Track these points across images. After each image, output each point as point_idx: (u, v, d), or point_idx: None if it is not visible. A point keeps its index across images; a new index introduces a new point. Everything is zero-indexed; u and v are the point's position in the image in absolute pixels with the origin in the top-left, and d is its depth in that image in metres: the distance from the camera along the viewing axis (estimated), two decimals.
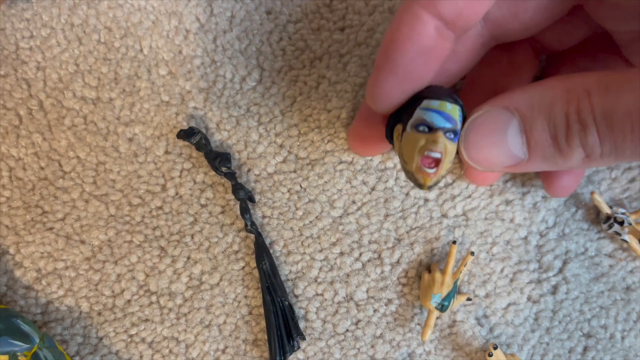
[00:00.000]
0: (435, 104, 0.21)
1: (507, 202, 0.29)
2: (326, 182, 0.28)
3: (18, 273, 0.27)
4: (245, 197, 0.27)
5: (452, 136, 0.21)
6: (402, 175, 0.29)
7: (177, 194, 0.28)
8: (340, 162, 0.28)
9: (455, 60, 0.25)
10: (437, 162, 0.20)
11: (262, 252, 0.27)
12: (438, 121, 0.20)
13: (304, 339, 0.27)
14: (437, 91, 0.21)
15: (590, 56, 0.26)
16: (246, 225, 0.27)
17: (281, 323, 0.27)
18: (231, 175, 0.27)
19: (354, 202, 0.28)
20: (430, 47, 0.21)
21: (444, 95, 0.21)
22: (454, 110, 0.21)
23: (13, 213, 0.28)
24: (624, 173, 0.29)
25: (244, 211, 0.27)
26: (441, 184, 0.29)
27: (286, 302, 0.27)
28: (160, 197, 0.28)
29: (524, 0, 0.23)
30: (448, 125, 0.20)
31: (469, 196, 0.29)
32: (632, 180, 0.29)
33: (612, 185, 0.29)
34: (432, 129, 0.20)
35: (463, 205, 0.29)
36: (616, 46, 0.24)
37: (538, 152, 0.20)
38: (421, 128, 0.20)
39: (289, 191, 0.28)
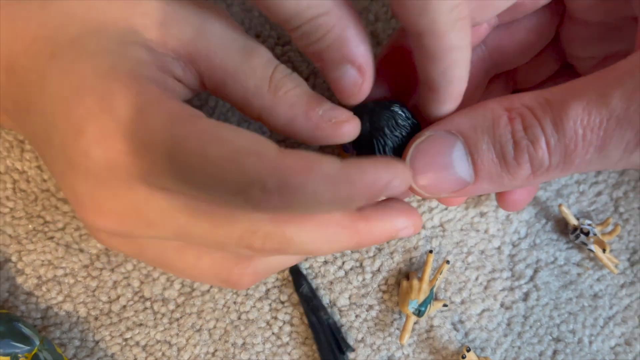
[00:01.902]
0: None
1: (482, 214, 0.31)
2: None
3: (20, 280, 0.29)
4: None
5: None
6: None
7: None
8: None
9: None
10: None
11: (299, 277, 0.29)
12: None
13: (352, 350, 0.29)
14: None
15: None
16: None
17: (331, 340, 0.29)
18: None
19: None
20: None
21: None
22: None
23: (16, 223, 0.29)
24: (591, 187, 0.31)
25: None
26: (418, 197, 0.31)
27: (330, 320, 0.29)
28: None
29: (517, 23, 0.25)
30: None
31: (446, 208, 0.31)
32: (599, 193, 0.31)
33: (580, 199, 0.31)
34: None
35: (440, 217, 0.31)
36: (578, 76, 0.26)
37: (485, 173, 0.20)
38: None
39: None
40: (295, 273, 0.29)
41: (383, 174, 0.17)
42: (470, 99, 0.26)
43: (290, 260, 0.23)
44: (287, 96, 0.21)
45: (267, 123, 0.22)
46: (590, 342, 0.30)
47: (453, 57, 0.20)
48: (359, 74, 0.21)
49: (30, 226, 0.29)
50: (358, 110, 0.22)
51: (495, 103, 0.20)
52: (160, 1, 0.21)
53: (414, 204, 0.31)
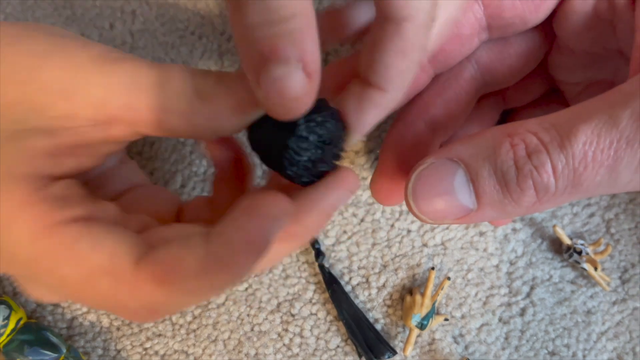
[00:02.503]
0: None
1: (481, 234, 0.33)
2: None
3: None
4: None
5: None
6: (388, 209, 0.32)
7: None
8: None
9: (451, 103, 0.27)
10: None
11: (341, 302, 0.31)
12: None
13: (395, 352, 0.31)
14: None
15: (541, 107, 0.30)
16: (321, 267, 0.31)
17: (372, 345, 0.30)
18: None
19: (345, 232, 0.32)
20: (466, 35, 0.23)
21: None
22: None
23: None
24: (584, 209, 0.33)
25: (319, 254, 0.31)
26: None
27: (371, 329, 0.31)
28: None
29: (508, 46, 0.27)
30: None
31: (447, 228, 0.33)
32: (591, 215, 0.33)
33: (574, 220, 0.33)
34: None
35: (442, 236, 0.32)
36: (565, 101, 0.29)
37: (487, 200, 0.20)
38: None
39: None
40: (339, 297, 0.31)
41: (261, 228, 0.17)
42: (459, 116, 0.27)
43: None
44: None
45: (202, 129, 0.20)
46: (584, 356, 0.32)
47: (417, 53, 0.20)
48: (308, 80, 0.17)
49: None
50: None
51: (498, 130, 0.20)
52: (63, 67, 0.18)
53: (416, 224, 0.32)
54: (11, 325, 0.28)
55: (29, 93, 0.18)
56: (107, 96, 0.18)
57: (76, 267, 0.17)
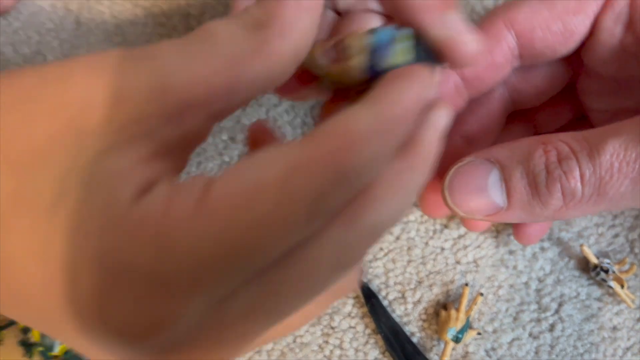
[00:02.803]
0: (399, 34, 0.19)
1: (511, 252, 0.34)
2: None
3: None
4: None
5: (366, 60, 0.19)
6: (423, 227, 0.34)
7: None
8: None
9: (483, 119, 0.28)
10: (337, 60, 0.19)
11: (379, 316, 0.33)
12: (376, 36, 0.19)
13: None
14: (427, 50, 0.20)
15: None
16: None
17: (410, 358, 0.32)
18: None
19: (381, 249, 0.34)
20: (499, 64, 0.25)
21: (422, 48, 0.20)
22: (401, 52, 0.19)
23: None
24: (609, 229, 0.35)
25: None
26: (454, 235, 0.34)
27: (408, 342, 0.32)
28: None
29: (535, 69, 0.28)
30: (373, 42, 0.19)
31: (479, 246, 0.34)
32: (616, 235, 0.35)
33: (599, 240, 0.35)
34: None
35: (474, 254, 0.34)
36: (592, 127, 0.30)
37: (517, 201, 0.21)
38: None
39: None
40: (377, 311, 0.33)
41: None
42: (491, 131, 0.29)
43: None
44: None
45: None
46: None
47: None
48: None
49: None
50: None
51: (533, 138, 0.22)
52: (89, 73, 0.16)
53: (449, 242, 0.34)
54: None
55: (70, 117, 0.15)
56: (165, 81, 0.16)
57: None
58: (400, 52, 0.18)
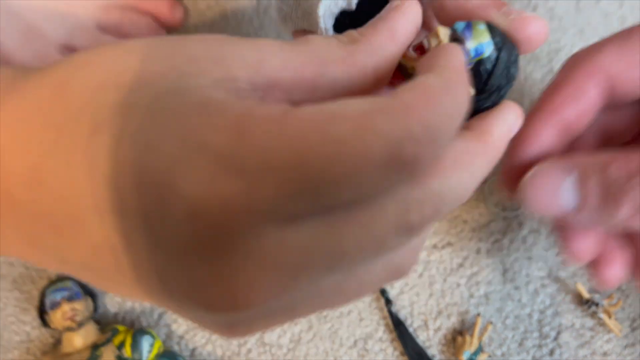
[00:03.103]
0: (475, 22, 0.21)
1: (516, 288, 0.41)
2: None
3: (174, 326, 0.40)
4: None
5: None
6: (442, 266, 0.41)
7: None
8: None
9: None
10: (422, 52, 0.20)
11: (406, 340, 0.39)
12: (458, 26, 0.21)
13: None
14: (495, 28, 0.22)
15: None
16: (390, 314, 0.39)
17: None
18: None
19: (407, 284, 0.41)
20: (588, 110, 0.26)
21: (494, 32, 0.21)
22: (482, 33, 0.21)
23: None
24: None
25: (387, 301, 0.40)
26: (468, 273, 0.41)
27: None
28: None
29: (622, 107, 0.28)
30: (458, 30, 0.21)
31: (489, 282, 0.41)
32: None
33: (591, 278, 0.41)
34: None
35: (485, 289, 0.41)
36: None
37: (588, 205, 0.23)
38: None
39: None
40: (398, 326, 0.39)
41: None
42: (585, 125, 0.28)
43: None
44: None
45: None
46: None
47: None
48: None
49: None
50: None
51: (614, 151, 0.23)
52: (205, 42, 0.17)
53: (464, 279, 0.41)
54: (154, 352, 0.37)
55: (176, 65, 0.16)
56: (262, 57, 0.17)
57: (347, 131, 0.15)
58: (479, 32, 0.20)
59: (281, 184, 0.15)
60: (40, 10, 0.38)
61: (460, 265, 0.41)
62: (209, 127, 0.15)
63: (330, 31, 0.26)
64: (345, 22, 0.26)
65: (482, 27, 0.20)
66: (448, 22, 0.22)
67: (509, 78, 0.21)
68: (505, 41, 0.21)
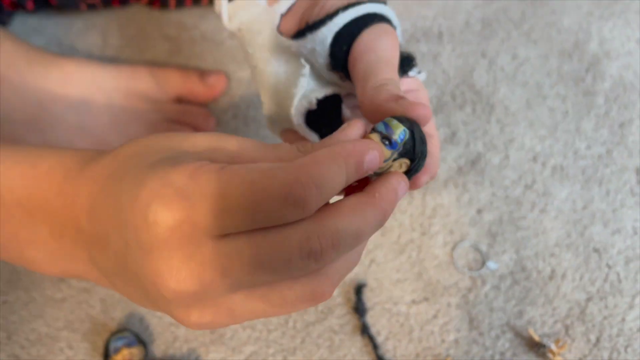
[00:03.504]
0: (393, 122, 0.28)
1: (480, 334, 0.50)
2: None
3: None
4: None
5: (387, 143, 0.27)
6: (420, 316, 0.51)
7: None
8: None
9: None
10: None
11: None
12: (380, 127, 0.28)
13: None
14: (411, 124, 0.28)
15: None
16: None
17: None
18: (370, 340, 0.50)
19: (391, 332, 0.50)
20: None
21: (402, 120, 0.28)
22: (397, 126, 0.28)
23: (199, 332, 0.51)
24: (550, 317, 0.51)
25: (375, 347, 0.50)
26: (440, 322, 0.51)
27: None
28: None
29: None
30: (382, 131, 0.27)
31: (458, 329, 0.50)
32: (555, 322, 0.50)
33: (543, 325, 0.50)
34: (373, 131, 0.28)
35: (454, 335, 0.50)
36: None
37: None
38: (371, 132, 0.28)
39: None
40: None
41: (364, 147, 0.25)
42: None
43: (353, 258, 0.26)
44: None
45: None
46: None
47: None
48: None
49: (207, 338, 0.51)
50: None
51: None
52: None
53: (438, 327, 0.50)
54: None
55: (169, 147, 0.26)
56: (219, 145, 0.26)
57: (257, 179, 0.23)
58: (395, 125, 0.28)
59: (212, 207, 0.22)
60: (107, 130, 0.52)
61: (434, 316, 0.51)
62: (176, 172, 0.23)
63: (304, 126, 0.36)
64: (312, 118, 0.36)
65: (395, 122, 0.28)
66: (367, 114, 0.31)
67: (424, 143, 0.29)
68: (411, 123, 0.28)
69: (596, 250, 0.53)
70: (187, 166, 0.23)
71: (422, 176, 0.31)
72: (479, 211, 0.55)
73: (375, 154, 0.25)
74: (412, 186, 0.30)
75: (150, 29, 0.61)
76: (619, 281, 0.52)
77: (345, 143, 0.25)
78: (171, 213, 0.22)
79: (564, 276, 0.52)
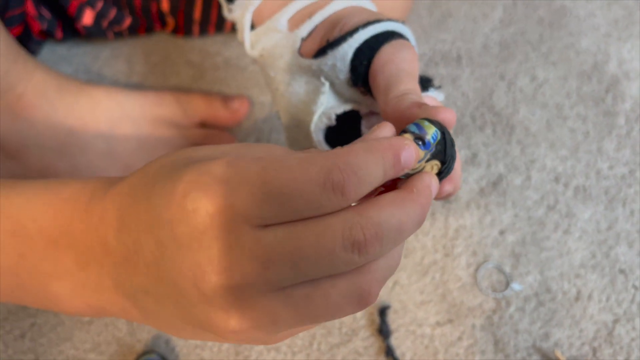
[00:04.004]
0: (419, 121, 0.28)
1: (506, 356, 0.50)
2: None
3: None
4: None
5: (420, 143, 0.27)
6: (444, 338, 0.51)
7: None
8: None
9: None
10: None
11: None
12: (412, 128, 0.28)
13: None
14: (437, 124, 0.28)
15: None
16: None
17: None
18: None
19: (415, 353, 0.50)
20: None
21: (432, 122, 0.28)
22: (429, 127, 0.27)
23: (224, 354, 0.51)
24: (577, 340, 0.50)
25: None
26: (465, 344, 0.50)
27: None
28: None
29: None
30: (416, 132, 0.27)
31: (483, 352, 0.50)
32: (582, 344, 0.50)
33: (570, 347, 0.50)
34: (405, 132, 0.28)
35: (479, 357, 0.50)
36: None
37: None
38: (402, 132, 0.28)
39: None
40: None
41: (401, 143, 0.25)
42: None
43: (395, 258, 0.25)
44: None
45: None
46: None
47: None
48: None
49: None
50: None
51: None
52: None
53: (462, 349, 0.50)
54: None
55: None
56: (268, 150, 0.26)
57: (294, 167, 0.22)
58: (428, 127, 0.28)
59: (253, 193, 0.21)
60: (135, 156, 0.53)
61: (459, 338, 0.51)
62: (213, 163, 0.23)
63: (323, 143, 0.36)
64: (331, 135, 0.36)
65: (427, 123, 0.28)
66: (392, 120, 0.30)
67: (454, 146, 0.29)
68: (442, 126, 0.28)
69: (622, 271, 0.53)
70: (224, 158, 0.23)
71: (447, 184, 0.31)
72: (502, 232, 0.55)
73: (411, 150, 0.25)
74: (437, 195, 0.29)
75: (174, 56, 0.63)
76: None
77: (381, 139, 0.25)
78: (211, 199, 0.22)
79: (590, 297, 0.52)
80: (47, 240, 0.27)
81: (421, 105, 0.29)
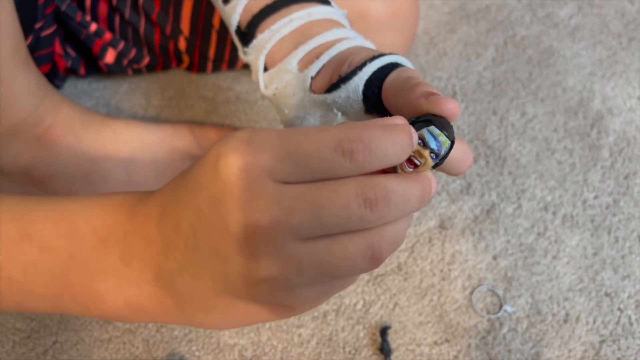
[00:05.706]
0: (437, 132, 0.29)
1: None
2: None
3: None
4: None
5: (434, 156, 0.28)
6: (442, 357, 0.54)
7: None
8: None
9: None
10: (415, 166, 0.28)
11: None
12: (431, 143, 0.29)
13: None
14: (443, 124, 0.29)
15: None
16: None
17: None
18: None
19: None
20: None
21: (445, 129, 0.29)
22: (445, 142, 0.29)
23: None
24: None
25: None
26: None
27: None
28: None
29: None
30: (435, 148, 0.29)
31: None
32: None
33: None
34: (425, 145, 0.28)
35: None
36: None
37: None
38: (419, 142, 0.29)
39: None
40: None
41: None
42: None
43: (401, 230, 0.27)
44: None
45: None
46: None
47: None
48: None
49: None
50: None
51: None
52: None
53: None
54: None
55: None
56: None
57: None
58: (443, 141, 0.29)
59: (275, 152, 0.24)
60: (152, 184, 0.57)
61: (455, 357, 0.54)
62: (239, 131, 0.26)
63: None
64: None
65: (443, 139, 0.29)
66: (400, 107, 0.32)
67: (453, 147, 0.30)
68: (449, 131, 0.29)
69: (608, 294, 0.56)
70: (248, 129, 0.26)
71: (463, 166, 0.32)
72: (495, 257, 0.58)
73: (415, 136, 0.27)
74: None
75: (189, 91, 0.67)
76: (631, 324, 0.55)
77: (398, 124, 0.27)
78: (239, 155, 0.24)
79: (578, 319, 0.55)
80: (98, 239, 0.30)
81: (429, 94, 0.31)
